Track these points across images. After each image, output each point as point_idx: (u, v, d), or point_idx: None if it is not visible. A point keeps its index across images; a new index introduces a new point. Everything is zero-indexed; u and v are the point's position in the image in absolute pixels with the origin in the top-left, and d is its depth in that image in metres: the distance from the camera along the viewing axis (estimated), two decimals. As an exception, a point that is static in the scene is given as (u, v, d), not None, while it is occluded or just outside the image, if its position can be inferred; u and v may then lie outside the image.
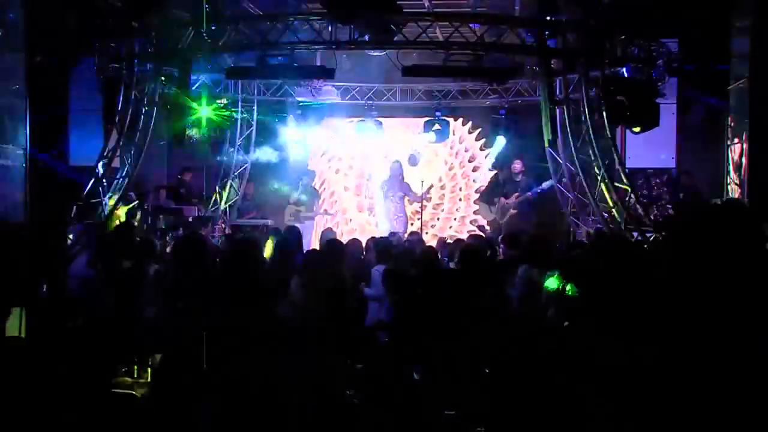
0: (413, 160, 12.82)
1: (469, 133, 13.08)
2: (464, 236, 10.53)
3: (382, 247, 7.14)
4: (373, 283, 6.56)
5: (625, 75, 8.79)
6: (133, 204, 9.42)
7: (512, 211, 10.92)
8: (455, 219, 13.17)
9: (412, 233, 9.42)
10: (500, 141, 11.80)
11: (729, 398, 1.79)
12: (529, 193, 11.03)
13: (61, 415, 3.23)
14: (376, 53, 9.56)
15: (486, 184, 12.66)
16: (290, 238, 8.01)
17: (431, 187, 12.06)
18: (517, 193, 11.06)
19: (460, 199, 13.21)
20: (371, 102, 12.09)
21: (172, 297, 5.94)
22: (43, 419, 3.07)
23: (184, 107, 8.87)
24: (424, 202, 11.69)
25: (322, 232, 9.17)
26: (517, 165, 11.25)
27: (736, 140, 8.39)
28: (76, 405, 3.63)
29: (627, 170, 9.36)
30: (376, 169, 12.84)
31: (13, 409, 2.63)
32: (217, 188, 12.02)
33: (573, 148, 9.55)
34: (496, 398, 2.88)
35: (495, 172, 12.29)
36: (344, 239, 11.01)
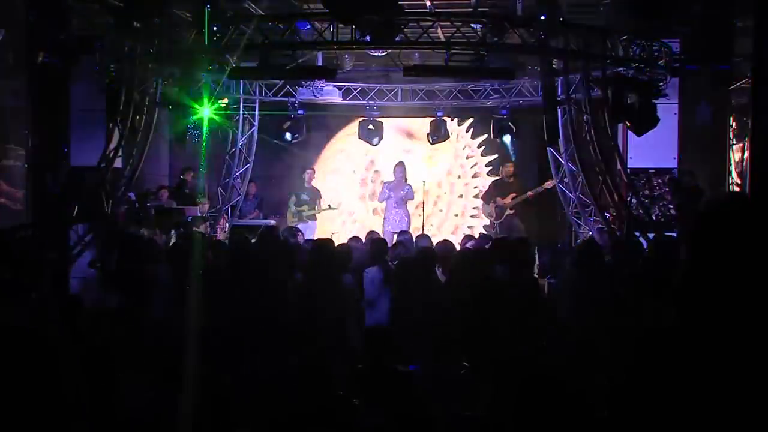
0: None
1: (466, 132, 13.13)
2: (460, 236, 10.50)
3: (378, 247, 6.81)
4: (366, 285, 6.25)
5: (627, 75, 8.79)
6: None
7: (509, 212, 10.90)
8: (456, 215, 13.21)
9: (401, 232, 9.32)
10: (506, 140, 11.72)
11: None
12: (529, 194, 10.99)
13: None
14: (378, 53, 9.55)
15: (486, 184, 12.69)
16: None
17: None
18: (513, 194, 10.98)
19: (461, 196, 13.25)
20: (373, 102, 12.09)
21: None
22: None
23: (186, 107, 8.87)
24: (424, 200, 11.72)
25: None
26: (508, 168, 11.19)
27: (737, 140, 8.39)
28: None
29: (628, 170, 9.35)
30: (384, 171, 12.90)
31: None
32: (218, 188, 12.01)
33: (574, 148, 9.55)
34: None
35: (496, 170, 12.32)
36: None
